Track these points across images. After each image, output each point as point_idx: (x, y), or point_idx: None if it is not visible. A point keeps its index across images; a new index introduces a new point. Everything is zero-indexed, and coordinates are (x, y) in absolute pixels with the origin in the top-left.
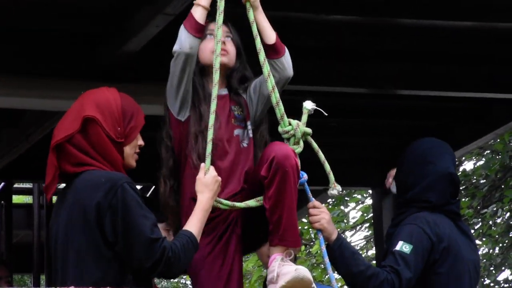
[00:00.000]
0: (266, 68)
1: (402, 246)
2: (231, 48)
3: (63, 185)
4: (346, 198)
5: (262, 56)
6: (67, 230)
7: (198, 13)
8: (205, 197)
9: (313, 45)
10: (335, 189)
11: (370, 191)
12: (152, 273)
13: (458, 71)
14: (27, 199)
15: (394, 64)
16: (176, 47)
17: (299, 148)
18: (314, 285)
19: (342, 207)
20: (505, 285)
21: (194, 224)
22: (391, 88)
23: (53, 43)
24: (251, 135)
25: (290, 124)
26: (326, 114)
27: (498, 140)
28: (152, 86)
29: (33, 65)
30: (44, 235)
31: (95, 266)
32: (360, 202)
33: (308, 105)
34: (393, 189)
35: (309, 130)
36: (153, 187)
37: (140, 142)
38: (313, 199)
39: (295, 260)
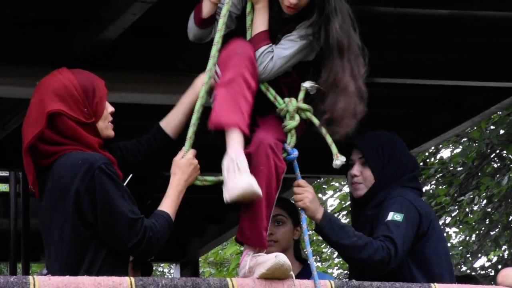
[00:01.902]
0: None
1: (394, 216)
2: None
3: None
4: (324, 186)
5: None
6: (51, 215)
7: (206, 8)
8: (177, 179)
9: None
10: (339, 159)
11: None
12: (132, 252)
13: (435, 59)
14: (3, 187)
15: (371, 52)
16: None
17: (294, 122)
18: (291, 272)
19: (320, 195)
20: (482, 272)
21: (168, 205)
22: (368, 76)
23: (30, 30)
24: None
25: (284, 102)
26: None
27: (475, 128)
28: (130, 75)
29: (8, 53)
30: (20, 224)
31: (70, 247)
32: (337, 190)
33: (306, 83)
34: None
35: (304, 106)
36: (130, 175)
37: (110, 109)
38: (300, 177)
39: None
